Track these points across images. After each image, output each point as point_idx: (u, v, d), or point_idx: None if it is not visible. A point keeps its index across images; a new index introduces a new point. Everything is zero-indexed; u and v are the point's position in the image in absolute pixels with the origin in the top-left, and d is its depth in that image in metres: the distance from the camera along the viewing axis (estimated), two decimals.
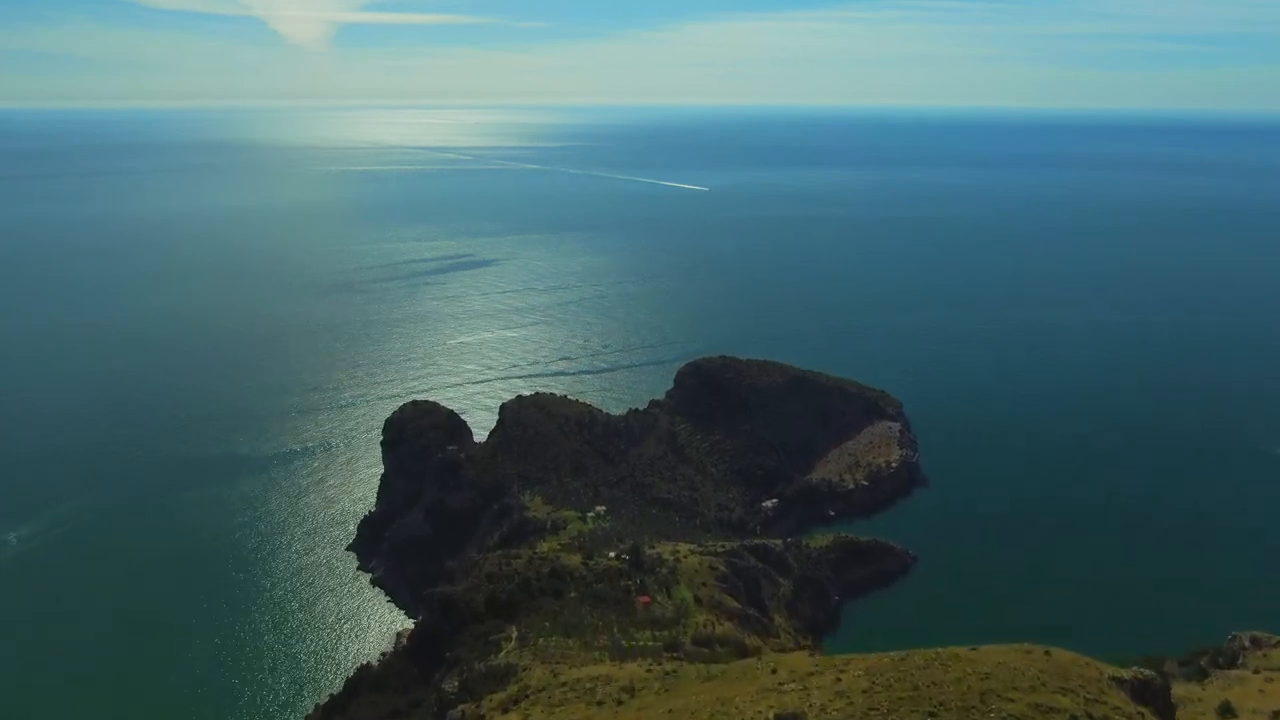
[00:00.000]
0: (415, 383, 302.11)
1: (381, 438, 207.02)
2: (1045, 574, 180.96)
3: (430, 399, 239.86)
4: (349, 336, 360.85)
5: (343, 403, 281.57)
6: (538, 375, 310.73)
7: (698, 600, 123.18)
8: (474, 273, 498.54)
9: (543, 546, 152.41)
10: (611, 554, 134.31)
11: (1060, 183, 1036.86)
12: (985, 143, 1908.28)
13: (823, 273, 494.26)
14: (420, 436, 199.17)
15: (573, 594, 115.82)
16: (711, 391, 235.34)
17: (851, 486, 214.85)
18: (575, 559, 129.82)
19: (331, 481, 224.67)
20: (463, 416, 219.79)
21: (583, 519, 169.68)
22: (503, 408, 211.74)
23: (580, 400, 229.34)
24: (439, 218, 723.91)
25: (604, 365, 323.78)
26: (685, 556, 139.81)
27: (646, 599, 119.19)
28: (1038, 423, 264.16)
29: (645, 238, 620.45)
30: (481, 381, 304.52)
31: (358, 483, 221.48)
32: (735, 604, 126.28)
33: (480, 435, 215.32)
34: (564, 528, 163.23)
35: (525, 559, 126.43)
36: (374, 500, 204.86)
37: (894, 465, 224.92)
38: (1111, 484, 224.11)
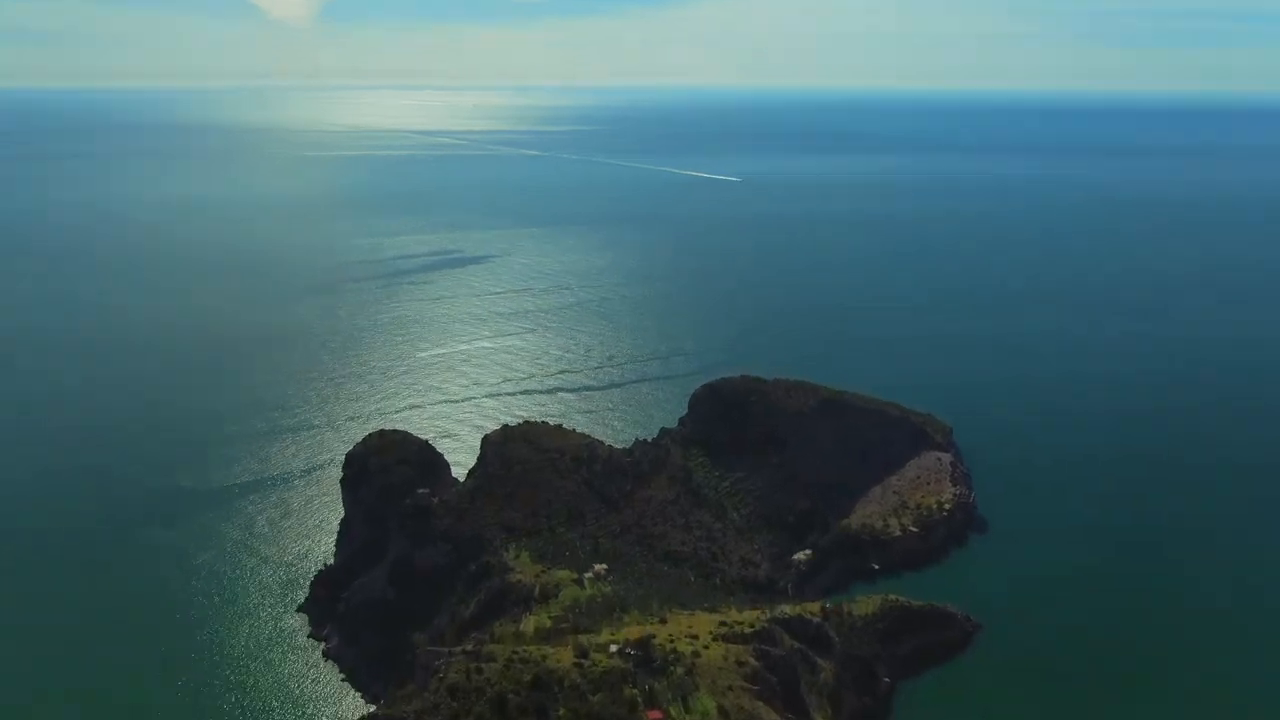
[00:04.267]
0: (389, 401, 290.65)
1: (342, 474, 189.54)
2: (1137, 645, 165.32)
3: (403, 425, 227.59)
4: (319, 345, 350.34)
5: (307, 426, 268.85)
6: (530, 392, 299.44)
7: (723, 712, 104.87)
8: (462, 271, 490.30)
9: (529, 623, 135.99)
10: (613, 647, 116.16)
11: (1131, 173, 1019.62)
12: (1038, 128, 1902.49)
13: (860, 275, 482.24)
14: (386, 474, 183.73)
15: (562, 712, 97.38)
16: (732, 418, 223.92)
17: (898, 533, 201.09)
18: (566, 656, 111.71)
19: (286, 525, 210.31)
20: (439, 448, 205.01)
21: (579, 582, 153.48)
22: (485, 441, 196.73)
23: (577, 431, 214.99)
24: (426, 208, 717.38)
25: (607, 381, 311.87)
26: (706, 647, 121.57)
27: (658, 715, 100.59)
28: (1114, 449, 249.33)
29: (659, 233, 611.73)
30: (465, 400, 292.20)
31: (315, 528, 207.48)
32: (771, 716, 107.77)
33: (459, 471, 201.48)
34: (556, 595, 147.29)
35: (501, 662, 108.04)
36: (333, 550, 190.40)
37: (947, 507, 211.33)
38: (1207, 526, 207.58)
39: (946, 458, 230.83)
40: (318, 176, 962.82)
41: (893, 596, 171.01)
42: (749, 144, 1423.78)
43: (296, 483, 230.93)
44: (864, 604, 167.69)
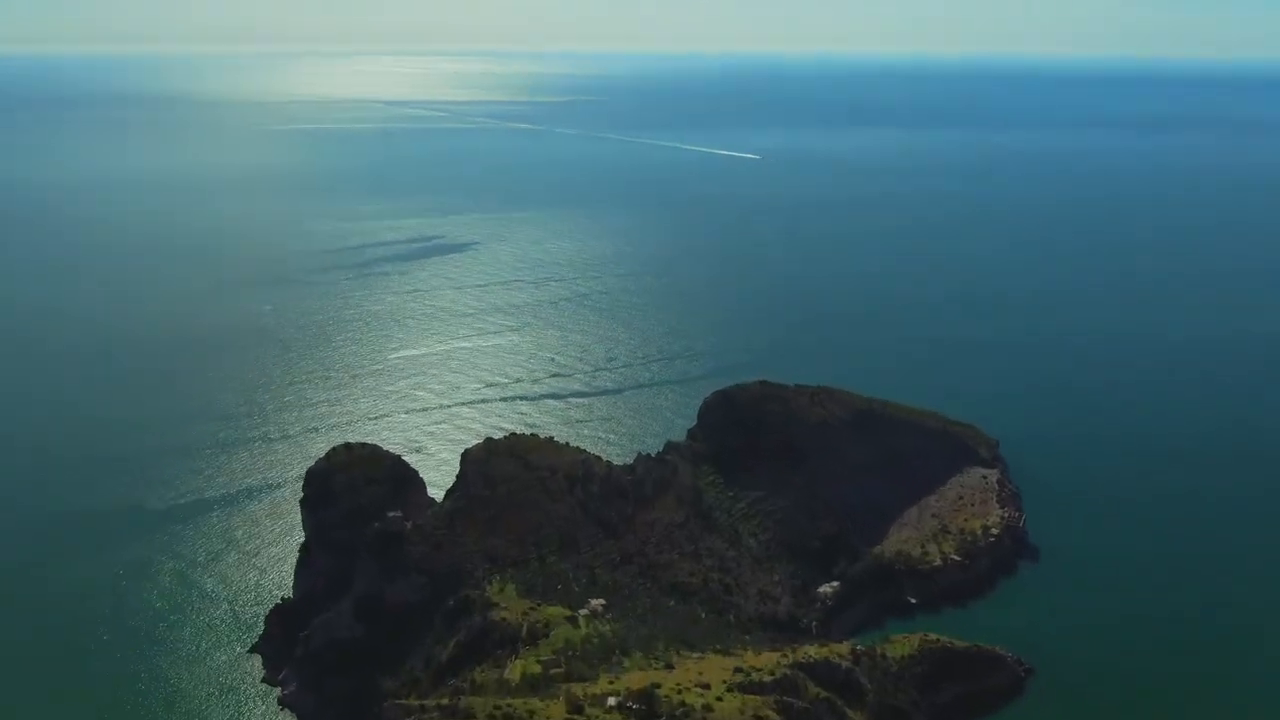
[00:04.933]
0: (357, 409, 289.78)
1: (301, 494, 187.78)
2: (1212, 692, 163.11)
3: (372, 438, 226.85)
4: (276, 345, 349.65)
5: (261, 438, 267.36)
6: (518, 400, 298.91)
7: None
8: (442, 260, 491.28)
9: (515, 669, 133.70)
10: (612, 700, 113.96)
11: (1202, 150, 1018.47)
12: (1095, 99, 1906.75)
13: (894, 266, 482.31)
14: (353, 494, 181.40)
15: None
16: (748, 430, 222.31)
17: (939, 563, 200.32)
18: (558, 711, 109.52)
19: (236, 553, 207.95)
20: (413, 464, 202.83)
21: (573, 620, 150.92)
22: (465, 456, 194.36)
23: (570, 445, 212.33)
24: (404, 189, 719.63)
25: (606, 387, 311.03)
26: (719, 698, 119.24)
27: None
28: (1187, 469, 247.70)
29: (667, 218, 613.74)
30: (443, 409, 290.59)
31: (271, 556, 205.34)
32: None
33: (436, 492, 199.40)
34: (546, 635, 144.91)
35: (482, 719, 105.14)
36: (290, 581, 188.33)
37: (994, 532, 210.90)
38: None
39: (993, 475, 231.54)
40: (279, 153, 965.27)
41: (933, 636, 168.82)
42: (771, 116, 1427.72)
43: (249, 504, 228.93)
44: (900, 644, 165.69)
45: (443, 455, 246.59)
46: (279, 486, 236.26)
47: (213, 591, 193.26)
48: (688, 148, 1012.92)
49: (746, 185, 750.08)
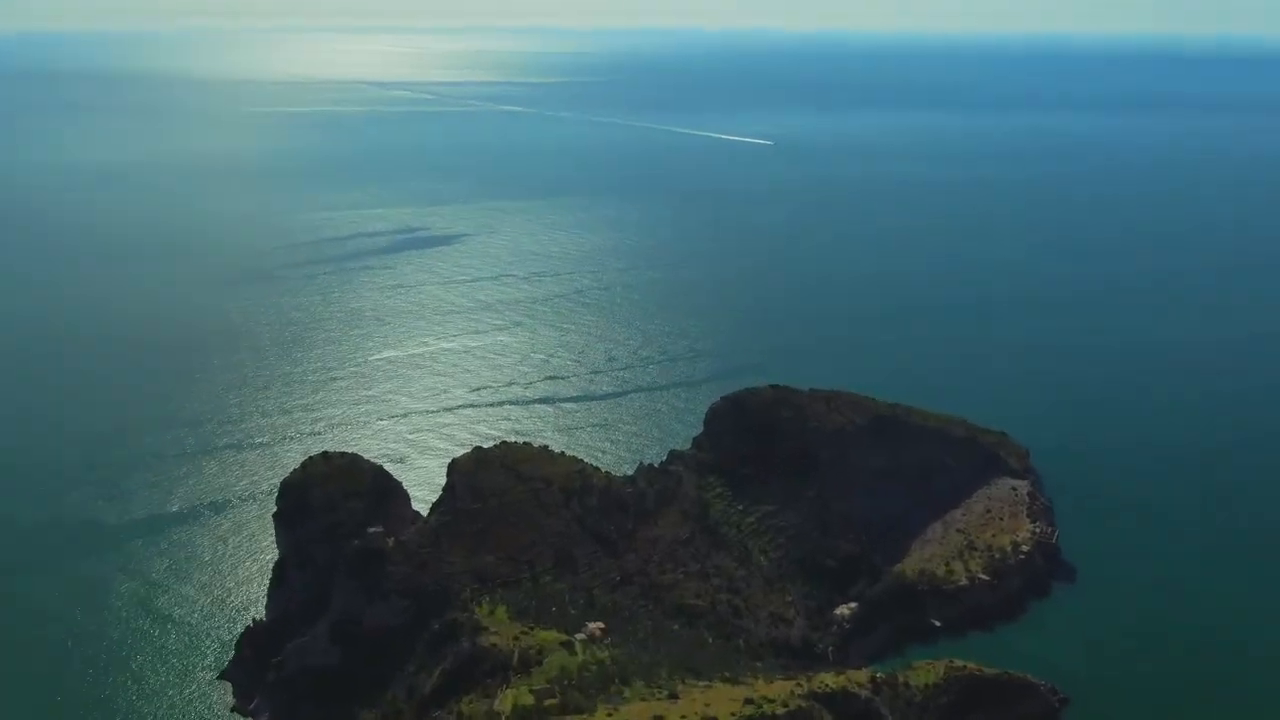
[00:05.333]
0: (336, 416, 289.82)
1: (275, 508, 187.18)
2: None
3: (352, 446, 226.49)
4: (249, 345, 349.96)
5: (232, 446, 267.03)
6: (511, 404, 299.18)
7: None
8: (429, 254, 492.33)
9: (505, 700, 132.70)
10: None
11: (1246, 132, 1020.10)
12: (1126, 78, 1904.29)
13: (916, 261, 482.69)
14: (330, 510, 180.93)
15: None
16: (759, 439, 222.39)
17: (965, 582, 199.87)
18: None
19: (207, 570, 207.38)
20: (396, 475, 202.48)
21: (569, 646, 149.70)
22: (453, 467, 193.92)
23: (567, 454, 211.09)
24: (389, 177, 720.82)
25: (605, 391, 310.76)
26: None
27: None
28: (1235, 482, 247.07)
29: (672, 208, 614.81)
30: (430, 415, 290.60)
31: (244, 574, 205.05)
32: None
33: (421, 505, 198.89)
34: (540, 663, 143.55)
35: None
36: (263, 602, 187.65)
37: (1025, 549, 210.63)
38: None
39: (1024, 487, 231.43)
40: (255, 138, 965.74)
41: (959, 662, 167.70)
42: (785, 98, 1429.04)
43: (217, 519, 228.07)
44: (923, 672, 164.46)
45: (428, 466, 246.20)
46: (250, 500, 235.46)
47: (177, 614, 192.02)
48: (693, 132, 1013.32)
49: (757, 173, 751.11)
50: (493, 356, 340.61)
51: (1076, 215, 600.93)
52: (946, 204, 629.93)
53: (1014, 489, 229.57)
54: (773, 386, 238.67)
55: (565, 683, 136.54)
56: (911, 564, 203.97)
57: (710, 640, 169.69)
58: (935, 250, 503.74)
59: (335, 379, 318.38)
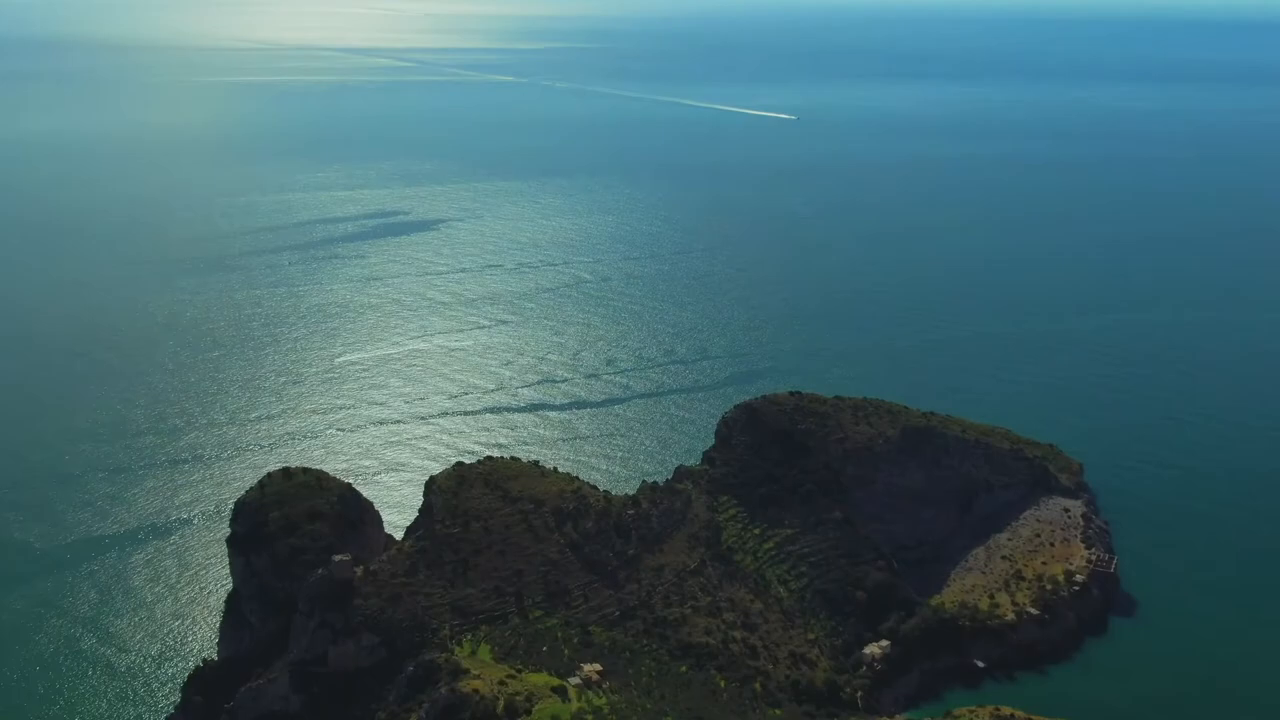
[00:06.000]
0: (299, 425, 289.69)
1: (230, 531, 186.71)
2: None
3: (317, 461, 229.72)
4: (203, 344, 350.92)
5: (181, 459, 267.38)
6: (498, 412, 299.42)
7: None
8: (407, 241, 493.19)
9: None
10: None
11: None
12: (1176, 46, 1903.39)
13: (953, 248, 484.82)
14: (291, 534, 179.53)
15: None
16: (778, 453, 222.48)
17: (1011, 618, 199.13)
18: None
19: (150, 603, 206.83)
20: (367, 494, 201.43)
21: (562, 692, 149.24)
22: (431, 485, 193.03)
23: (560, 471, 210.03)
24: (362, 154, 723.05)
25: (604, 397, 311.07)
26: None
27: None
28: None
29: (682, 191, 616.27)
30: (405, 425, 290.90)
31: (193, 608, 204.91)
32: None
33: (395, 529, 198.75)
34: (528, 710, 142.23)
35: None
36: (214, 640, 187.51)
37: (1079, 579, 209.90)
38: None
39: (1077, 508, 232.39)
40: (212, 110, 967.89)
41: (1005, 709, 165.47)
42: (809, 68, 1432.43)
43: (162, 544, 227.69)
44: None
45: (403, 483, 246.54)
46: (199, 522, 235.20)
47: (114, 655, 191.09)
48: (707, 105, 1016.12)
49: (777, 151, 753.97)
50: (477, 358, 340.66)
51: (1132, 203, 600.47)
52: (986, 186, 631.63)
53: (1066, 510, 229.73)
54: (793, 393, 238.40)
55: None
56: (951, 596, 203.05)
57: (723, 684, 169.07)
58: (974, 239, 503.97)
59: (298, 383, 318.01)
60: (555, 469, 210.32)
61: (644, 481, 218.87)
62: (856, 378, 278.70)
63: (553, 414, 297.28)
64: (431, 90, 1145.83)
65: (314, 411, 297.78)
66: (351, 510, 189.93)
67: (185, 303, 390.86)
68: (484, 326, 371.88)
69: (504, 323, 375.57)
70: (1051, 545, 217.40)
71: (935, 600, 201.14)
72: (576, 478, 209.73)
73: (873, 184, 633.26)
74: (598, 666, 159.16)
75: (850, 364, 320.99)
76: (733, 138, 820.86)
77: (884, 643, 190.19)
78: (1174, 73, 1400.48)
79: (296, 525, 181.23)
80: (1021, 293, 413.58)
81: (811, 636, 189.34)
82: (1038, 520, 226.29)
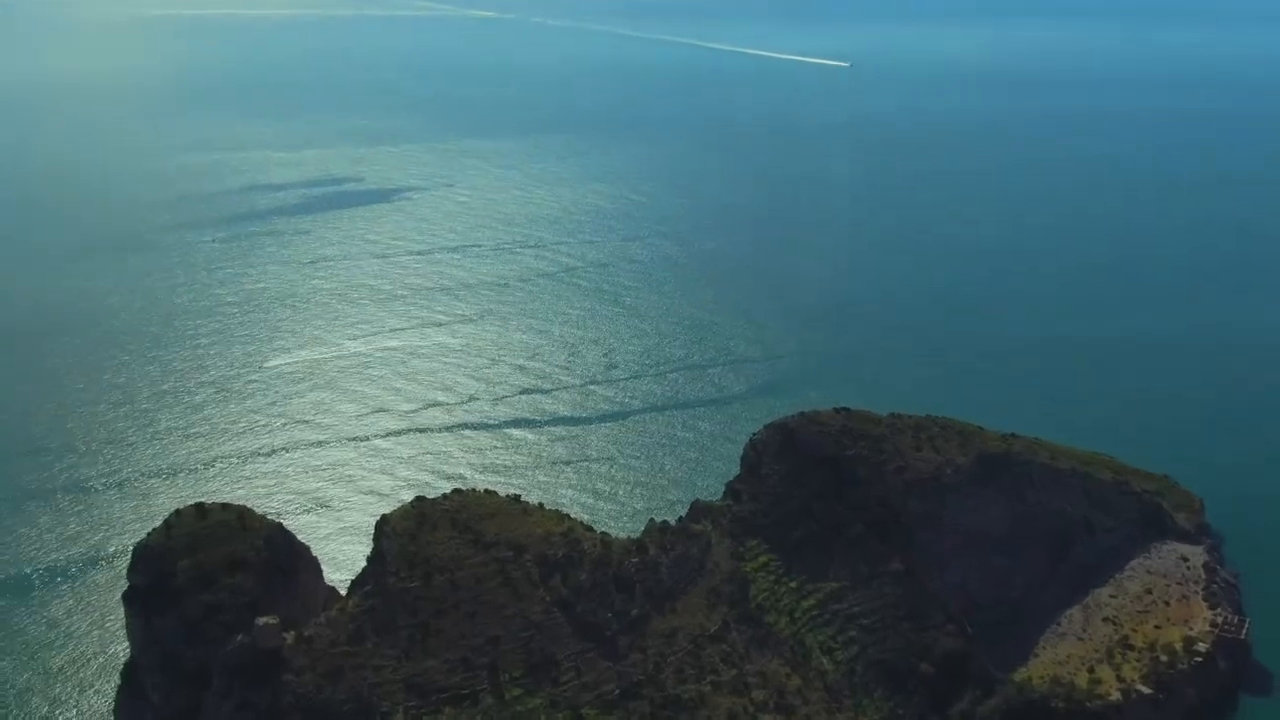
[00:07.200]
0: (225, 438, 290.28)
1: (128, 583, 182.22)
2: None
3: (240, 493, 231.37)
4: (113, 340, 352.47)
5: (66, 488, 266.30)
6: (470, 430, 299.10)
7: None
8: (365, 214, 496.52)
9: None
10: None
11: None
12: None
13: (1037, 227, 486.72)
14: (204, 587, 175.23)
15: None
16: (820, 485, 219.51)
17: (1117, 697, 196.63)
18: None
19: (27, 670, 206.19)
20: (302, 535, 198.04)
21: None
22: (383, 526, 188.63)
23: (545, 507, 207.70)
24: (309, 105, 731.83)
25: (603, 411, 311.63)
26: None
27: None
28: None
29: (703, 154, 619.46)
30: (357, 443, 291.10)
31: (81, 676, 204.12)
32: None
33: (337, 580, 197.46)
34: None
35: None
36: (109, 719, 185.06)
37: (1202, 647, 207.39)
38: None
39: (1198, 556, 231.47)
40: (132, 49, 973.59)
41: None
42: (866, 3, 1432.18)
43: (44, 595, 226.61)
44: None
45: (349, 523, 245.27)
46: (91, 569, 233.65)
47: None
48: (736, 49, 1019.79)
49: (825, 107, 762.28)
50: (444, 363, 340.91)
51: (1265, 158, 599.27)
52: (1074, 150, 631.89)
53: (1184, 559, 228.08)
54: (839, 410, 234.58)
55: None
56: (1040, 669, 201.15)
57: None
58: (1061, 215, 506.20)
59: (222, 392, 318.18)
60: (540, 505, 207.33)
61: (651, 521, 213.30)
62: (918, 390, 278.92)
63: (538, 434, 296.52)
64: (396, 28, 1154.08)
65: (241, 428, 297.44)
66: (282, 557, 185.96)
67: (82, 291, 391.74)
68: (454, 323, 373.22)
69: (478, 318, 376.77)
70: (1166, 604, 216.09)
71: (1020, 675, 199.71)
72: (567, 516, 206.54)
73: (940, 147, 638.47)
74: None
75: (907, 372, 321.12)
76: (770, 90, 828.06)
77: None
78: None
79: (212, 577, 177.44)
80: (1122, 283, 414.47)
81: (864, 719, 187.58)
82: (1149, 572, 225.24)
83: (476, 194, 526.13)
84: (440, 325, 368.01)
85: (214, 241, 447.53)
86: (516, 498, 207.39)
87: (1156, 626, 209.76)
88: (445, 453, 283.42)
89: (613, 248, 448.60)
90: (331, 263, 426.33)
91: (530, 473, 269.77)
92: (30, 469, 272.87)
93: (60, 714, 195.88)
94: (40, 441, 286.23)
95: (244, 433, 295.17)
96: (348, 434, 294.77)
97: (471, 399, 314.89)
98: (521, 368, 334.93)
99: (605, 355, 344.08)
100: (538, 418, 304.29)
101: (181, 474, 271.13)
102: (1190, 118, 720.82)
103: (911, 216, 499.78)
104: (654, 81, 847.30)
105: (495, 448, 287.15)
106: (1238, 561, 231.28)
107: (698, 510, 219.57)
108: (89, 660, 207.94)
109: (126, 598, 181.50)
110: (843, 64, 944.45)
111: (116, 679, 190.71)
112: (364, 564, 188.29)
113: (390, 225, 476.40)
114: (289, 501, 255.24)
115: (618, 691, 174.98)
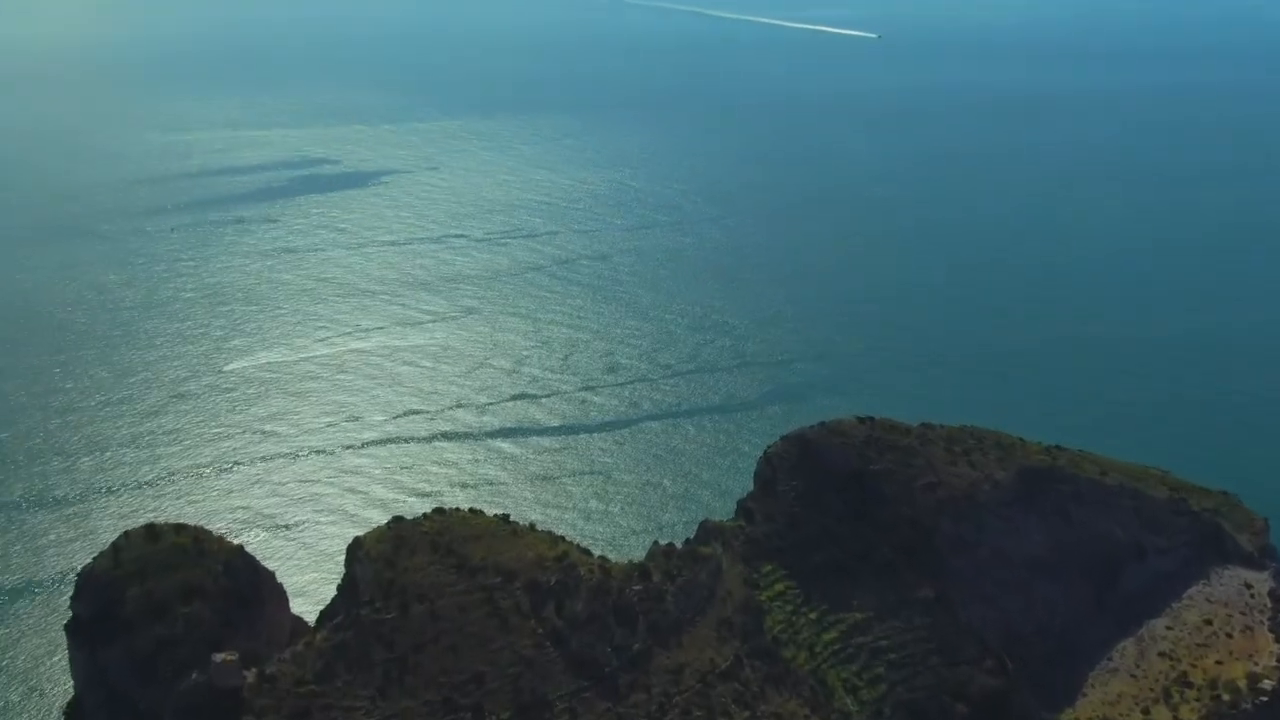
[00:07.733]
0: (179, 450, 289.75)
1: (70, 613, 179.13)
2: None
3: (197, 511, 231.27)
4: (59, 338, 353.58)
5: (17, 502, 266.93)
6: (455, 440, 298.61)
7: None
8: (339, 199, 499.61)
9: None
10: None
11: None
12: None
13: (1080, 214, 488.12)
14: (156, 618, 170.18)
15: None
16: (843, 504, 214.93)
17: None
18: None
19: None
20: (266, 560, 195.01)
21: None
22: (356, 550, 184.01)
23: (538, 528, 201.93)
24: (279, 77, 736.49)
25: (602, 419, 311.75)
26: None
27: None
28: None
29: (716, 134, 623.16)
30: (327, 455, 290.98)
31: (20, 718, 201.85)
32: None
33: (305, 610, 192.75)
34: None
35: None
36: None
37: (1267, 685, 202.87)
38: None
39: (1263, 583, 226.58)
40: (85, 19, 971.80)
41: None
42: None
43: None
44: None
45: (318, 545, 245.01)
46: (30, 597, 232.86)
47: None
48: (756, 19, 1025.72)
49: (851, 81, 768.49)
50: (427, 365, 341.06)
51: None
52: (1137, 131, 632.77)
53: (1248, 586, 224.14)
54: (863, 419, 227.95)
55: None
56: (1088, 709, 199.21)
57: None
58: (1110, 200, 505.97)
59: (178, 397, 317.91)
60: (532, 526, 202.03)
61: (656, 543, 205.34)
62: (950, 397, 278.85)
63: (529, 446, 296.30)
64: None
65: (198, 438, 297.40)
66: (243, 585, 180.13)
67: (27, 283, 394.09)
68: (435, 321, 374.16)
69: (463, 316, 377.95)
70: (1229, 636, 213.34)
71: (1067, 715, 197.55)
72: (562, 538, 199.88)
73: (975, 127, 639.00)
74: None
75: (938, 378, 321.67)
76: (791, 63, 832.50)
77: None
78: None
79: (164, 607, 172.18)
80: (1175, 277, 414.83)
81: None
82: (1208, 600, 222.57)
83: (464, 178, 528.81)
84: (420, 324, 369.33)
85: (172, 230, 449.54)
86: (505, 518, 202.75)
87: (1218, 662, 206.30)
88: (425, 468, 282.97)
89: (612, 237, 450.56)
90: (301, 254, 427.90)
91: (520, 489, 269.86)
92: None
93: None
94: None
95: (201, 444, 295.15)
96: (316, 446, 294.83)
97: (455, 407, 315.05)
98: (511, 372, 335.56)
99: (603, 357, 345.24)
100: (529, 427, 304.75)
101: (131, 490, 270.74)
102: (1261, 91, 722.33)
103: (944, 202, 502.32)
104: (661, 54, 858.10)
105: (481, 461, 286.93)
106: None
107: (706, 531, 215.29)
108: (26, 700, 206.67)
109: (69, 629, 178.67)
110: (870, 35, 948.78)
111: None
112: (334, 593, 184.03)
113: (367, 213, 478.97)
114: (251, 522, 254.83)
115: None
